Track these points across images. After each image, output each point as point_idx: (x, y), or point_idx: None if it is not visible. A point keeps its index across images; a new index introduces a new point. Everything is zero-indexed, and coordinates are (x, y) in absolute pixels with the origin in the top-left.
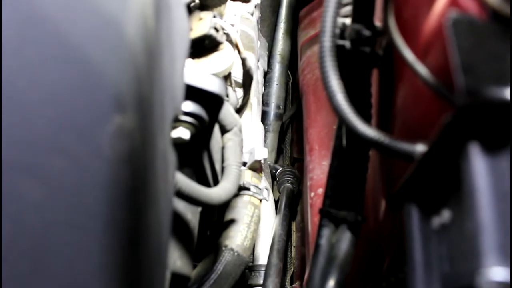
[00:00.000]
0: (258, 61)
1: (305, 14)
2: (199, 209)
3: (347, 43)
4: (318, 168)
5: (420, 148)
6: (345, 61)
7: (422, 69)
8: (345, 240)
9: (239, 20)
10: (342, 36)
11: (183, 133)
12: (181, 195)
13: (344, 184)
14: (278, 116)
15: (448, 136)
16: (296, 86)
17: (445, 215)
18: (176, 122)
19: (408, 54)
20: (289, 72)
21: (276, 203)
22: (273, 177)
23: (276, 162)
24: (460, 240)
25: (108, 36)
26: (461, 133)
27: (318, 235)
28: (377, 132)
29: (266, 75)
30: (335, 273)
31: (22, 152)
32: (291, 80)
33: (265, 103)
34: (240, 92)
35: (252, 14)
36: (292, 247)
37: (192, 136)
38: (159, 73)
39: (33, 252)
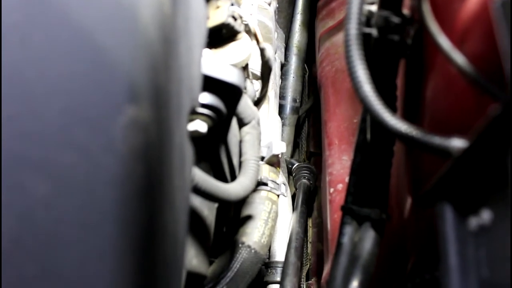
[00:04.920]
0: (275, 53)
1: (323, 5)
2: (216, 205)
3: (374, 31)
4: (338, 163)
5: (456, 143)
6: (372, 50)
7: (459, 57)
8: (368, 238)
9: (256, 10)
10: (368, 23)
11: (200, 126)
12: (198, 191)
13: (367, 181)
14: (295, 110)
15: (494, 130)
16: (313, 79)
17: (485, 216)
18: (193, 114)
19: (444, 42)
20: (305, 65)
21: (292, 198)
22: (289, 172)
23: (292, 156)
24: (504, 244)
25: (121, 22)
26: (510, 127)
27: (340, 233)
28: (409, 126)
29: (282, 67)
30: (359, 273)
31: (30, 145)
32: (307, 73)
33: (281, 96)
34: (257, 84)
35: (269, 4)
36: (308, 242)
37: (209, 129)
38: (175, 63)
39: (41, 253)
